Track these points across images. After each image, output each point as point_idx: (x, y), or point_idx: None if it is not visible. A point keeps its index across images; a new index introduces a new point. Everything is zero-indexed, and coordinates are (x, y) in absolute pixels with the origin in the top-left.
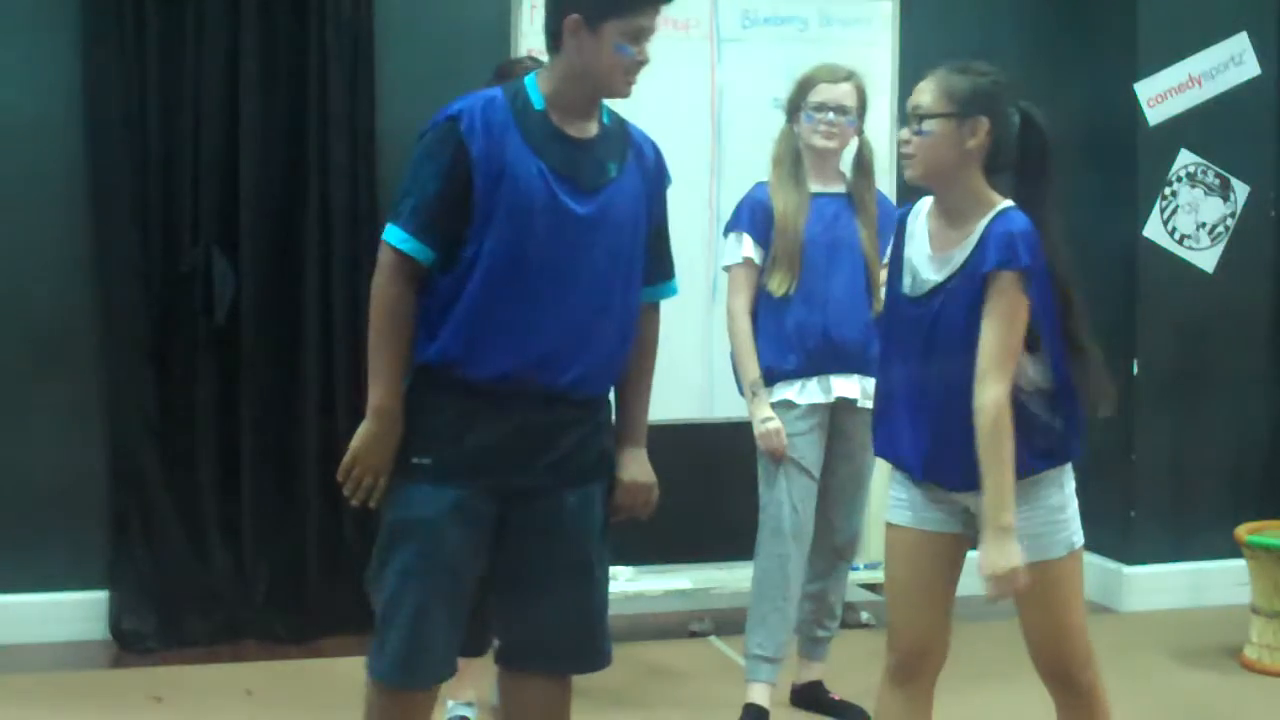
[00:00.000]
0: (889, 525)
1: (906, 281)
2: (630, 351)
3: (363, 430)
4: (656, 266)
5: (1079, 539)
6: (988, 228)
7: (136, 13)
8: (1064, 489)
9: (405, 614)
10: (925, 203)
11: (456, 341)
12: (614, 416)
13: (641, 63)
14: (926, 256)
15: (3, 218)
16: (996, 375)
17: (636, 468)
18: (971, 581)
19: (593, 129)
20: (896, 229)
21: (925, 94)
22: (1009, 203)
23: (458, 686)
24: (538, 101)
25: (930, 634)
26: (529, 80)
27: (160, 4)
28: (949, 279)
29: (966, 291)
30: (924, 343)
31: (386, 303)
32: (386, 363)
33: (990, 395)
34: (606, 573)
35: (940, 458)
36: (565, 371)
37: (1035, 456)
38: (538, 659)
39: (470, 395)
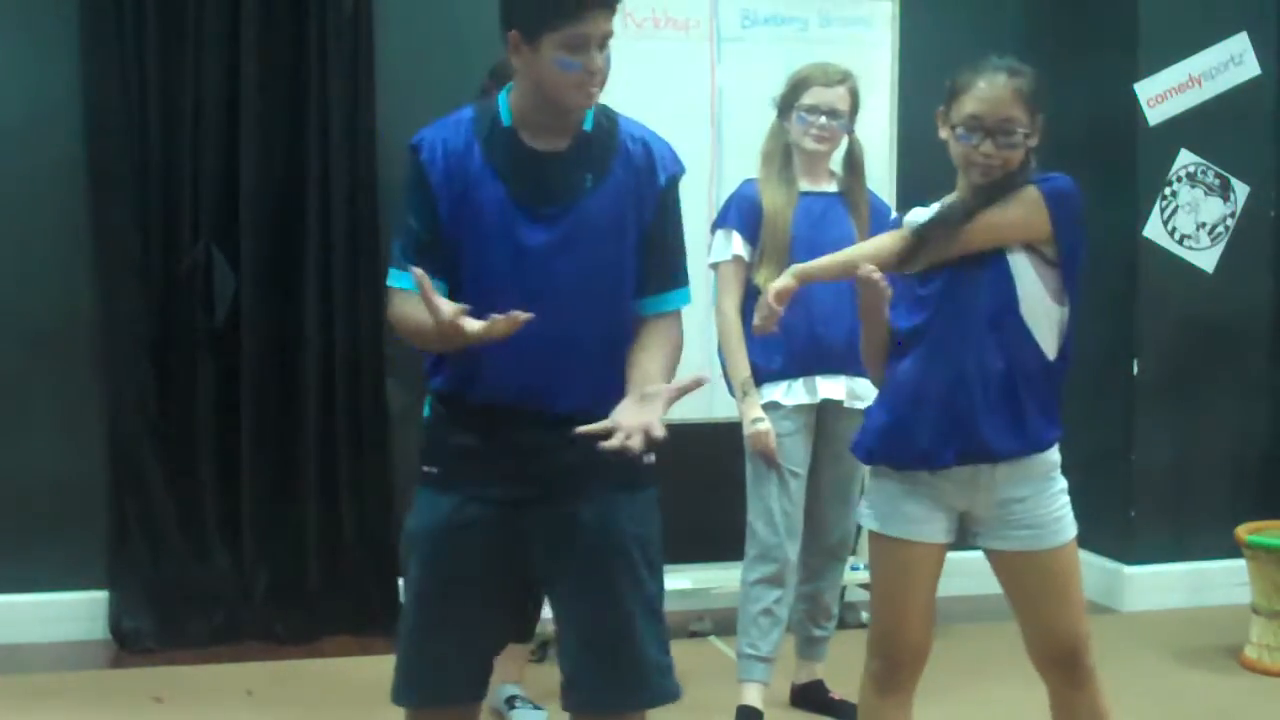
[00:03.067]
0: (879, 536)
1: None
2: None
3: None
4: (656, 274)
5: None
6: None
7: (136, 13)
8: (1059, 471)
9: (408, 628)
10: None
11: (451, 369)
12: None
13: (592, 73)
14: None
15: (2, 218)
16: None
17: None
18: (966, 582)
19: (565, 142)
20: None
21: (1010, 106)
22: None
23: None
24: (506, 118)
25: (924, 642)
26: (502, 95)
27: (160, 4)
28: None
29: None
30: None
31: (399, 312)
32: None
33: None
34: (646, 594)
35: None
36: (561, 398)
37: (1055, 425)
38: (569, 695)
39: (473, 414)
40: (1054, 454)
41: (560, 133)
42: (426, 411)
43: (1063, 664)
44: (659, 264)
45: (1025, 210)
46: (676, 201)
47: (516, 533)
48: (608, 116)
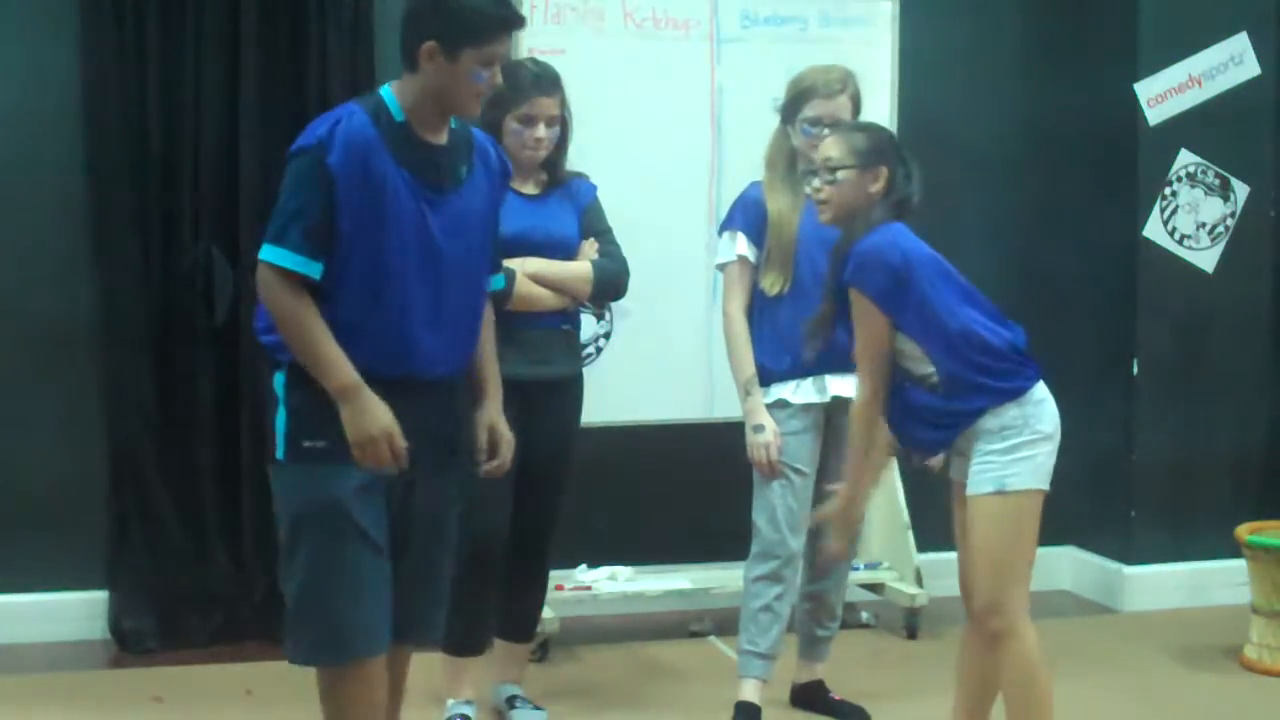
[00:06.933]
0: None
1: None
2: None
3: (349, 415)
4: (497, 257)
5: (1015, 482)
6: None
7: (136, 13)
8: (1005, 437)
9: (326, 594)
10: None
11: (339, 343)
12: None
13: (494, 86)
14: None
15: (2, 217)
16: (861, 376)
17: (500, 421)
18: None
19: (445, 136)
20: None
21: (833, 149)
22: (889, 225)
23: (457, 686)
24: (397, 114)
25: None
26: (385, 93)
27: (160, 3)
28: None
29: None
30: None
31: (301, 313)
32: (326, 353)
33: (859, 395)
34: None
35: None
36: (440, 364)
37: (939, 430)
38: (411, 632)
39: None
40: (991, 420)
41: (440, 128)
42: (282, 387)
43: (974, 610)
44: (497, 248)
45: (868, 327)
46: None
47: (393, 498)
48: (462, 121)
